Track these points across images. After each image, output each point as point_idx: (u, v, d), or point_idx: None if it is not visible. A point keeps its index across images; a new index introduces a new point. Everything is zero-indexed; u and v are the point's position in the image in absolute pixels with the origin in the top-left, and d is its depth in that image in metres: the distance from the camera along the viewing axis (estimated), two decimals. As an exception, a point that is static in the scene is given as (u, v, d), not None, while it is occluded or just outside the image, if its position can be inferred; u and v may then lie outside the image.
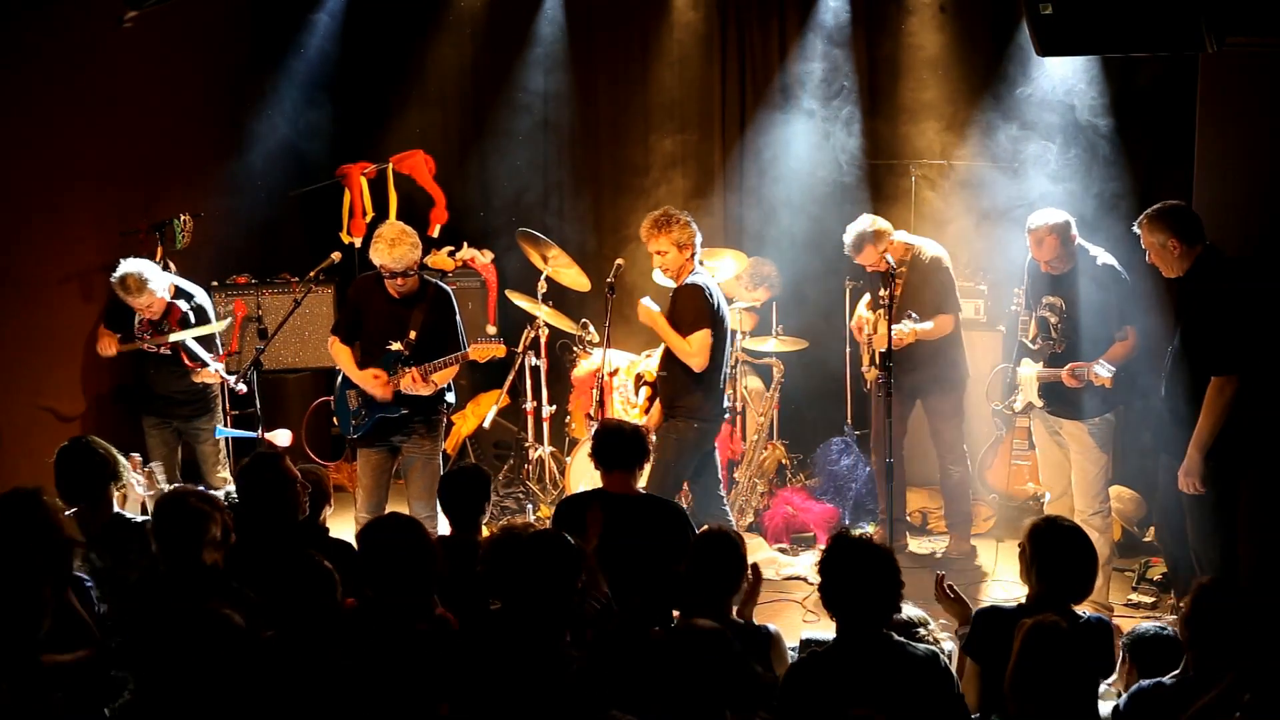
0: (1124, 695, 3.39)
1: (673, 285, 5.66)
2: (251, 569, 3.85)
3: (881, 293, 5.97)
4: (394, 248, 5.45)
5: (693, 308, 5.48)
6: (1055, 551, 3.63)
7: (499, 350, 5.65)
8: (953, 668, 3.50)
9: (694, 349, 5.47)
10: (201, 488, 4.17)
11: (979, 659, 3.64)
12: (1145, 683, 3.39)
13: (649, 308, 5.55)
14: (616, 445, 4.54)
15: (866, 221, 6.09)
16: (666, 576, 4.44)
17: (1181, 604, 3.51)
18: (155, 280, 5.94)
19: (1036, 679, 3.14)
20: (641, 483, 6.36)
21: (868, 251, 6.03)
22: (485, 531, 6.65)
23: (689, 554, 3.89)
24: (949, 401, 6.28)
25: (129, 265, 5.93)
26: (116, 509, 4.45)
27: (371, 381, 5.56)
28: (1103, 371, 5.20)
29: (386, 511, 5.58)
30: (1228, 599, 3.35)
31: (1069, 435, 5.55)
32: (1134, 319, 5.36)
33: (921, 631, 3.70)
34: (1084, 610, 3.72)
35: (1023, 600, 3.72)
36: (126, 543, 4.27)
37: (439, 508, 4.58)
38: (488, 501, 4.46)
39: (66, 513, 4.12)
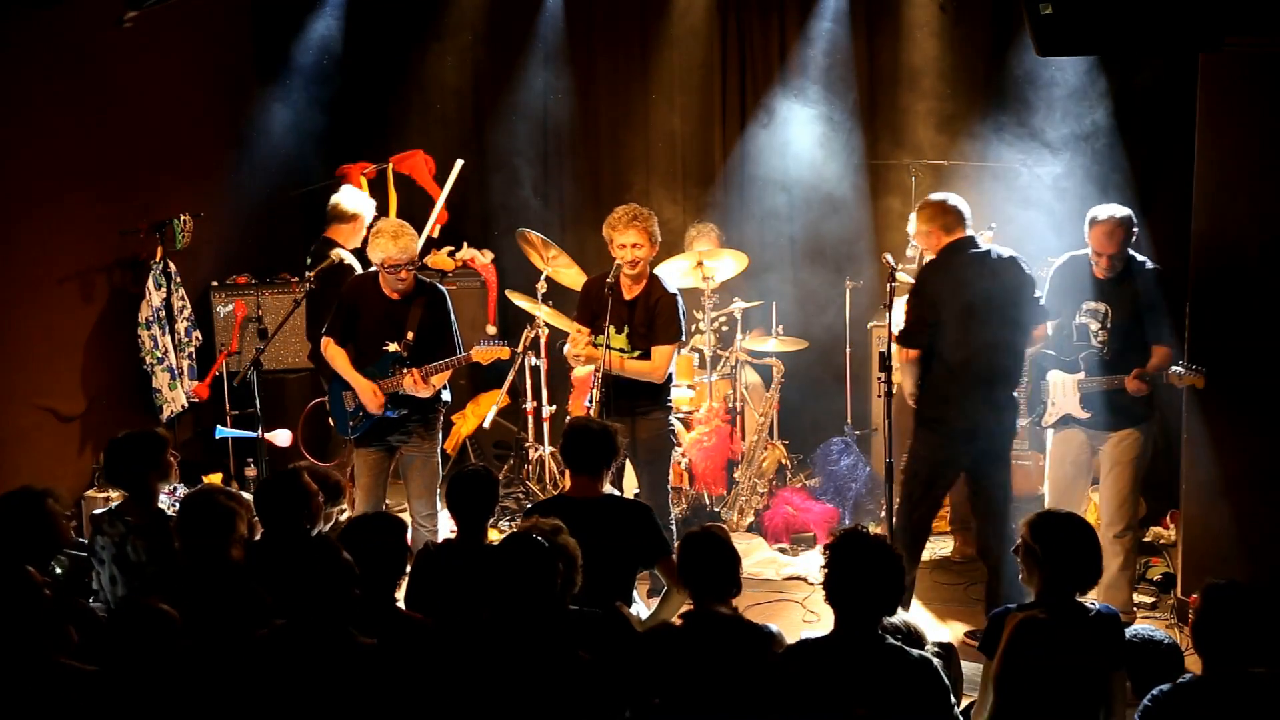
0: (1141, 704, 3.38)
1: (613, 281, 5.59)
2: (265, 571, 3.90)
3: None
4: (398, 239, 5.44)
5: (676, 320, 5.54)
6: (1060, 542, 3.62)
7: (503, 353, 5.64)
8: (948, 677, 3.48)
9: (661, 367, 5.55)
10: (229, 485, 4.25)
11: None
12: (1166, 686, 3.37)
13: (593, 353, 5.53)
14: (585, 446, 4.51)
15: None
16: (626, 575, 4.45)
17: (1190, 613, 3.49)
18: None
19: (1022, 673, 3.15)
20: (632, 485, 6.41)
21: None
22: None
23: (680, 557, 3.90)
24: None
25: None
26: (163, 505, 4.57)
27: (370, 395, 5.54)
28: (1189, 372, 4.99)
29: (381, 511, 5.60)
30: (1237, 599, 3.34)
31: (1115, 447, 5.33)
32: (1172, 327, 5.24)
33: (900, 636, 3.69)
34: (1093, 601, 3.72)
35: (1031, 600, 3.72)
36: (155, 540, 4.32)
37: (442, 509, 4.57)
38: (495, 505, 4.44)
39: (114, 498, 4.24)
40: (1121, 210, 5.22)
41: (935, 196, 5.32)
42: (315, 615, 3.36)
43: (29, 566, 3.66)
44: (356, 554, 3.55)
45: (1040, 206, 6.58)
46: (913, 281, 5.42)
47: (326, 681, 3.30)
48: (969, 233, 5.20)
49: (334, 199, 6.42)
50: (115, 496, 4.83)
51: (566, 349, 5.77)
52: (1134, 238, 5.23)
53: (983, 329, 5.05)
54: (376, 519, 4.14)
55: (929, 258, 5.42)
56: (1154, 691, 3.35)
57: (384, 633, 3.53)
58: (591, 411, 5.52)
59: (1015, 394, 5.28)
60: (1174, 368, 5.09)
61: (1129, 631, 3.81)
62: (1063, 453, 5.51)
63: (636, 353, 5.58)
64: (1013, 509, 5.32)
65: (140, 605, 3.31)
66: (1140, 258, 5.33)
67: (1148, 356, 5.24)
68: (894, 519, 5.21)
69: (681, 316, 5.61)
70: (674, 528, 5.76)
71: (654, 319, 5.56)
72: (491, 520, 6.81)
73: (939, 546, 6.54)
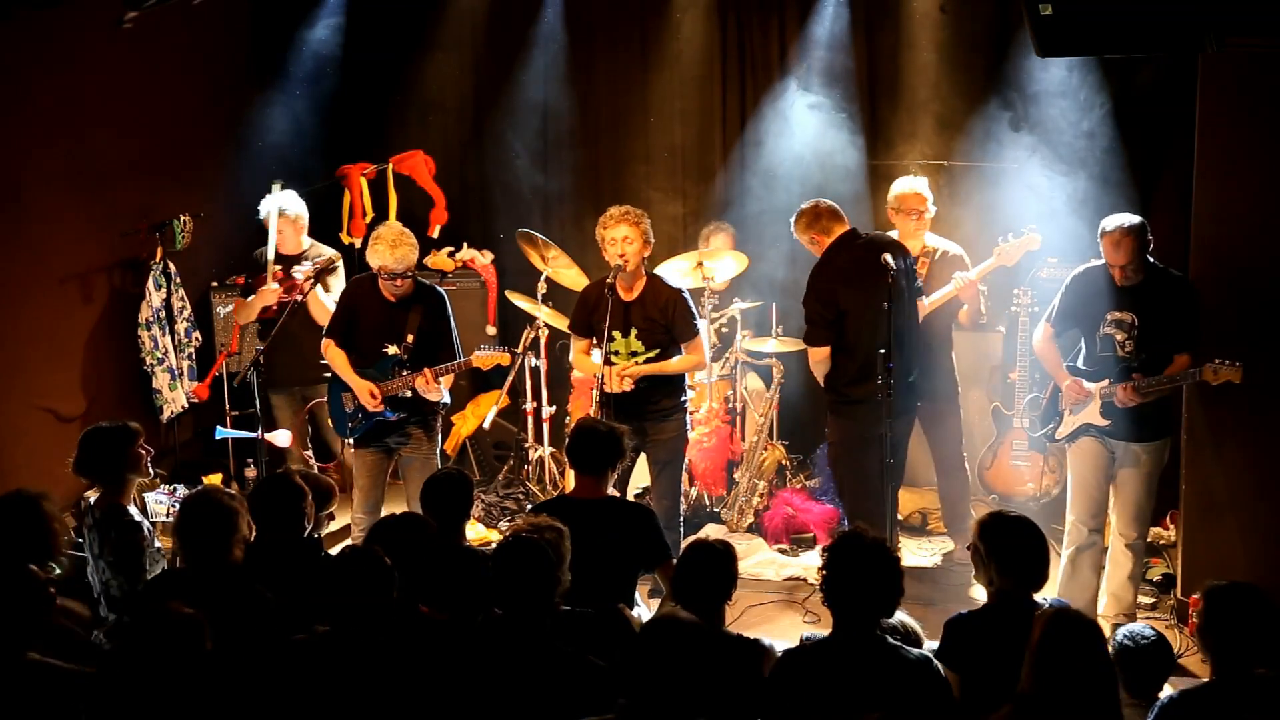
0: (1154, 709, 3.37)
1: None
2: (263, 571, 3.91)
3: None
4: (395, 249, 5.45)
5: (690, 313, 5.59)
6: (1009, 544, 3.65)
7: (503, 359, 5.65)
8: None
9: (702, 355, 5.71)
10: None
11: (955, 668, 3.63)
12: (1173, 693, 3.37)
13: (641, 368, 5.52)
14: (590, 447, 4.52)
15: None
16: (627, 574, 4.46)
17: (1194, 614, 3.48)
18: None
19: (1061, 668, 3.12)
20: (638, 484, 6.41)
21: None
22: (494, 534, 6.70)
23: (678, 565, 3.90)
24: (947, 412, 6.18)
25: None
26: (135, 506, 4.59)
27: (367, 395, 5.55)
28: (1226, 366, 4.90)
29: (383, 513, 5.61)
30: (1240, 600, 3.34)
31: (1137, 457, 5.22)
32: (1199, 337, 5.16)
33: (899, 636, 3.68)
34: (1043, 597, 3.72)
35: (985, 603, 3.73)
36: (106, 534, 4.35)
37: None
38: (470, 506, 4.45)
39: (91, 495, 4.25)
40: (1129, 219, 5.10)
41: (804, 205, 5.62)
42: (362, 624, 3.37)
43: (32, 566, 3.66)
44: (389, 554, 3.58)
45: (1040, 206, 6.57)
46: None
47: (371, 689, 3.30)
48: (849, 226, 5.55)
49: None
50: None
51: (604, 385, 5.57)
52: (1149, 245, 5.11)
53: (880, 312, 5.20)
54: (406, 520, 4.16)
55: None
56: (1161, 700, 3.34)
57: (409, 634, 3.55)
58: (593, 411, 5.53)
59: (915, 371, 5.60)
60: (1210, 363, 4.96)
61: (1118, 634, 3.81)
62: (1083, 462, 5.37)
63: (654, 351, 5.57)
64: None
65: (162, 609, 3.28)
66: (1161, 266, 5.21)
67: (1165, 366, 5.12)
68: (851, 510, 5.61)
69: (694, 309, 5.65)
70: (682, 528, 5.79)
71: (673, 320, 5.56)
72: (491, 521, 6.89)
73: (939, 547, 6.54)
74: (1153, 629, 3.78)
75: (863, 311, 5.37)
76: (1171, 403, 5.28)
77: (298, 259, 6.41)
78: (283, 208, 6.41)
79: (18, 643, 3.30)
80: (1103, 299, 5.25)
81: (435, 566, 4.04)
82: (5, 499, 4.03)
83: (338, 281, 6.33)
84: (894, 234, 6.12)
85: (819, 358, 5.57)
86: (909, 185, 6.12)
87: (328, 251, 6.48)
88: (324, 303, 6.14)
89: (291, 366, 6.27)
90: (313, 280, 6.15)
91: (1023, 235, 6.01)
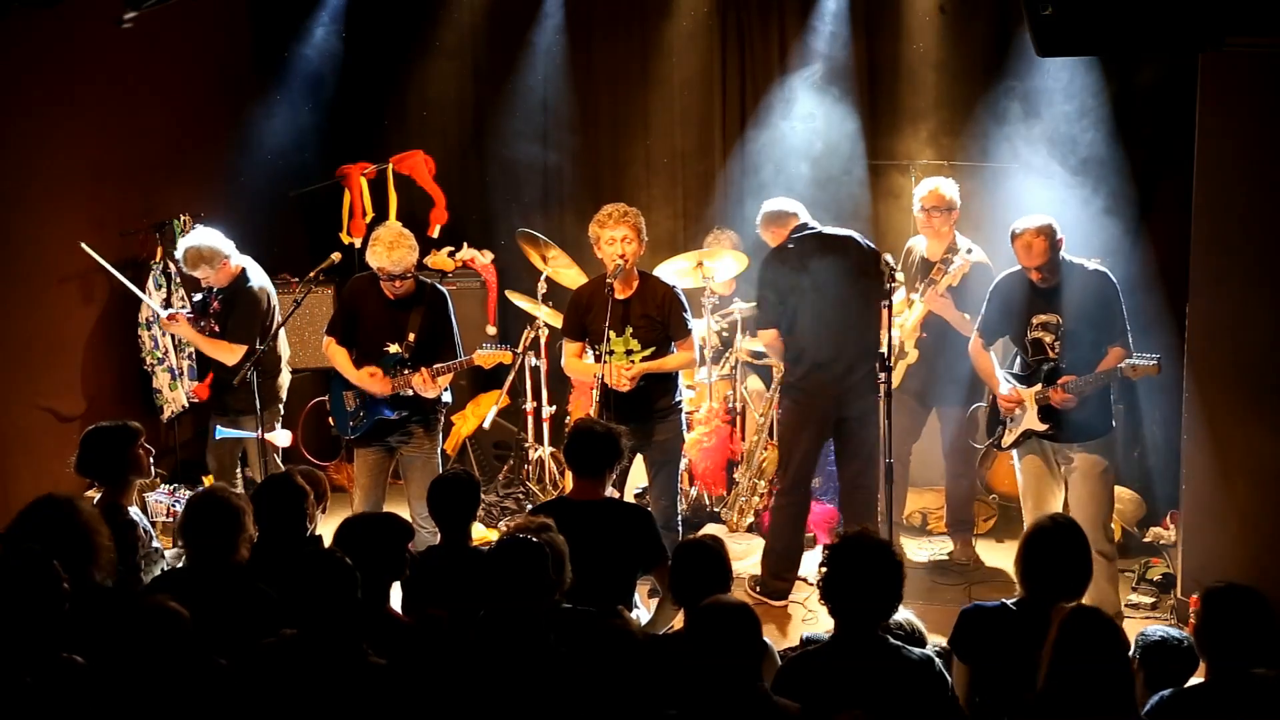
0: (1148, 704, 3.35)
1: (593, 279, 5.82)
2: (266, 569, 3.91)
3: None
4: (393, 250, 5.44)
5: (685, 310, 5.60)
6: (1040, 549, 3.64)
7: (505, 357, 5.64)
8: (949, 674, 3.48)
9: (694, 352, 5.70)
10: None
11: (966, 659, 3.62)
12: (1167, 692, 3.36)
13: (640, 366, 5.51)
14: (588, 448, 4.51)
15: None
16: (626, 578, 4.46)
17: (1191, 615, 3.47)
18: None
19: (1077, 667, 3.10)
20: (637, 485, 6.41)
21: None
22: (492, 535, 6.70)
23: (673, 566, 3.90)
24: (967, 412, 6.19)
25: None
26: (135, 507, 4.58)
27: (369, 380, 5.54)
28: (1144, 361, 4.92)
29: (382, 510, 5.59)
30: (1237, 602, 3.33)
31: (1082, 463, 5.22)
32: (1127, 326, 5.20)
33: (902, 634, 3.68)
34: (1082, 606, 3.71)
35: (1007, 600, 3.72)
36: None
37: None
38: (476, 508, 4.44)
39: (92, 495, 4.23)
40: (1037, 220, 5.15)
41: (765, 208, 5.90)
42: (327, 629, 3.36)
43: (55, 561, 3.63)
44: (351, 553, 3.56)
45: (1039, 207, 6.55)
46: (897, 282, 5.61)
47: (335, 698, 3.29)
48: (801, 219, 5.76)
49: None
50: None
51: (612, 383, 5.47)
52: (1060, 244, 5.16)
53: (822, 299, 5.46)
54: (374, 519, 4.15)
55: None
56: (1154, 698, 3.33)
57: (374, 635, 3.54)
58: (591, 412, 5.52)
59: (874, 361, 5.30)
60: (1128, 360, 5.00)
61: (1148, 631, 3.79)
62: (1026, 472, 5.42)
63: (650, 350, 5.57)
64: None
65: (148, 604, 3.28)
66: (1078, 261, 5.26)
67: (1099, 360, 5.14)
68: (778, 483, 5.89)
69: (687, 305, 5.65)
70: (680, 528, 5.79)
71: (669, 317, 5.57)
72: (491, 521, 6.89)
73: (939, 547, 6.54)
74: (1182, 632, 3.76)
75: (804, 299, 5.53)
76: (1110, 398, 5.29)
77: (231, 288, 6.04)
78: (186, 248, 5.93)
79: (49, 639, 3.27)
80: (1025, 303, 5.29)
81: (414, 566, 4.04)
82: (39, 505, 3.88)
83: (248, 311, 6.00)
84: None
85: (766, 340, 5.75)
86: (925, 185, 6.12)
87: (256, 286, 6.03)
88: (189, 334, 6.03)
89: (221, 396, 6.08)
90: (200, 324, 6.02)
91: (957, 263, 5.89)
